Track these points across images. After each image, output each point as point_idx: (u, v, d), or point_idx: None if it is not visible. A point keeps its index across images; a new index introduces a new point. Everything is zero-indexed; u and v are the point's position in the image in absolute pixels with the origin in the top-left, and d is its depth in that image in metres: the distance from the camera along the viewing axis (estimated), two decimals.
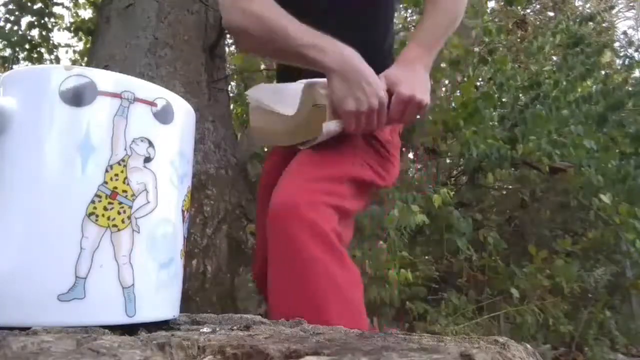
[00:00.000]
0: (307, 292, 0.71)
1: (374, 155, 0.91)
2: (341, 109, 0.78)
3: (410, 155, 2.52)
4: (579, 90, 2.58)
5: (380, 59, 0.90)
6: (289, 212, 0.73)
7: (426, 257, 2.22)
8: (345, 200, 0.81)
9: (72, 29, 3.54)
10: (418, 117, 0.84)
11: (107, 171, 0.30)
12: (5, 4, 3.12)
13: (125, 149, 0.31)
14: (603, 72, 2.74)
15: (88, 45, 3.31)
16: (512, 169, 2.47)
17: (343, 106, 0.77)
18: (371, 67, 0.81)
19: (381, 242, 1.79)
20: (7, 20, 3.21)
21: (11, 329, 0.26)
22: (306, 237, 0.72)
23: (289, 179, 0.80)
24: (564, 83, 2.51)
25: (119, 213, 0.30)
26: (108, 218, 0.30)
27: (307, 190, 0.76)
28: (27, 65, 2.99)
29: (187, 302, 1.48)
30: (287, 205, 0.74)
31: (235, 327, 0.32)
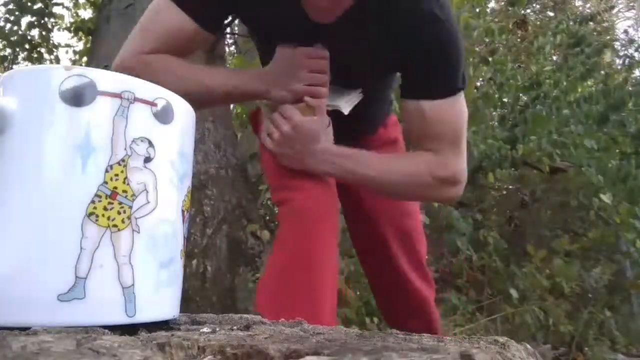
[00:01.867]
0: None
1: None
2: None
3: None
4: (580, 90, 2.58)
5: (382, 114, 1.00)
6: None
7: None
8: None
9: (72, 29, 3.54)
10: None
11: (107, 171, 0.30)
12: (5, 4, 3.13)
13: (125, 149, 0.31)
14: (603, 72, 2.74)
15: (88, 45, 3.31)
16: (512, 169, 2.47)
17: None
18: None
19: None
20: (7, 20, 3.21)
21: (11, 329, 0.26)
22: None
23: None
24: (565, 83, 2.51)
25: (119, 213, 0.30)
26: (108, 218, 0.30)
27: None
28: (27, 65, 2.99)
29: (187, 302, 1.48)
30: None
31: (235, 327, 0.32)
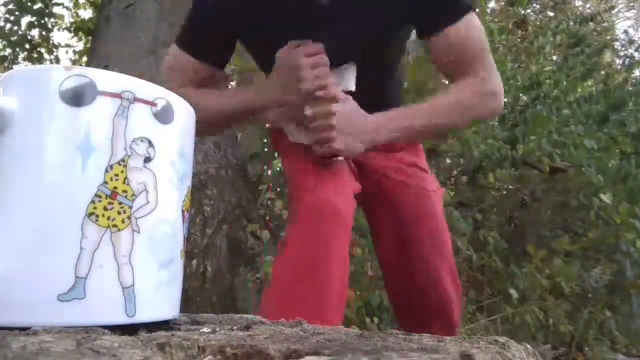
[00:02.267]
0: None
1: None
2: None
3: None
4: (580, 90, 2.58)
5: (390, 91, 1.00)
6: None
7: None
8: None
9: (72, 29, 3.54)
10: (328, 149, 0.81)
11: (107, 171, 0.30)
12: (5, 4, 3.13)
13: (125, 149, 0.31)
14: (603, 72, 2.74)
15: (88, 45, 3.31)
16: (512, 169, 2.47)
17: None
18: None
19: None
20: (7, 20, 3.21)
21: (11, 329, 0.26)
22: None
23: None
24: (565, 83, 2.51)
25: (119, 213, 0.30)
26: (108, 218, 0.30)
27: None
28: (27, 65, 2.99)
29: (187, 302, 1.48)
30: None
31: (235, 327, 0.32)
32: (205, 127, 0.86)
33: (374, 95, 0.90)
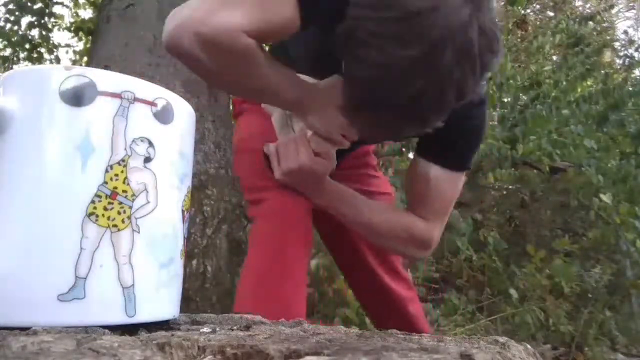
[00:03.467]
0: None
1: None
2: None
3: (411, 155, 2.51)
4: (579, 90, 2.58)
5: None
6: None
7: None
8: None
9: (72, 29, 3.54)
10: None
11: (107, 171, 0.30)
12: (5, 4, 3.13)
13: (125, 149, 0.31)
14: (603, 72, 2.74)
15: (88, 45, 3.31)
16: (512, 169, 2.47)
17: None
18: None
19: None
20: (7, 20, 3.21)
21: (11, 329, 0.26)
22: None
23: None
24: (564, 83, 2.51)
25: (119, 213, 0.30)
26: (108, 218, 0.30)
27: None
28: (27, 65, 2.99)
29: (187, 302, 1.48)
30: None
31: (235, 327, 0.32)
32: (248, 92, 0.77)
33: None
